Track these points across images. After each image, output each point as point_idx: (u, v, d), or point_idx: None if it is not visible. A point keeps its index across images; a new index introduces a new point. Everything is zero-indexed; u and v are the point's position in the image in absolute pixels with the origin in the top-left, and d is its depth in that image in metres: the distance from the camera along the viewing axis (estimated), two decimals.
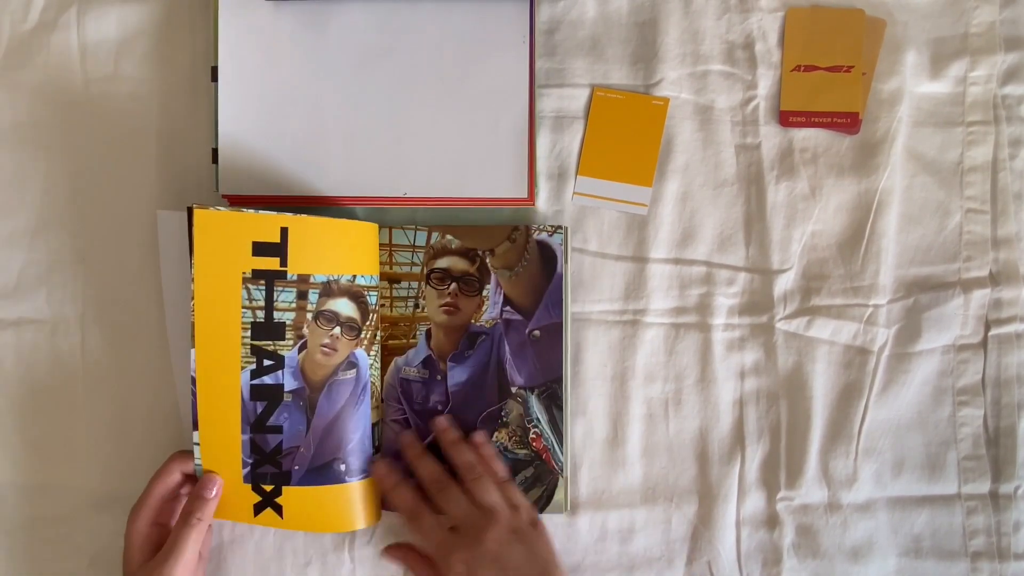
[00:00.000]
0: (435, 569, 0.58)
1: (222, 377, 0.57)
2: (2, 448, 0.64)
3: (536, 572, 0.56)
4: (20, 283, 0.64)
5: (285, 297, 0.58)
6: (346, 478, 0.59)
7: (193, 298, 0.56)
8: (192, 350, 0.57)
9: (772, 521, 0.63)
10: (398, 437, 0.62)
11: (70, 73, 0.65)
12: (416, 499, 0.59)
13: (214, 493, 0.57)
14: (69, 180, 0.65)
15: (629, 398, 0.64)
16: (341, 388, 0.59)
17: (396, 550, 0.62)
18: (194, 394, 0.57)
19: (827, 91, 0.64)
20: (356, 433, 0.59)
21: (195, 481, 0.58)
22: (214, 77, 0.63)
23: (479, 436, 0.61)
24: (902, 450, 0.64)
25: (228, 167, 0.62)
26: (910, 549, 0.63)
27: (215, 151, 0.63)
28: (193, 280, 0.56)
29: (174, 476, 0.58)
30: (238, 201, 0.62)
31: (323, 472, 0.58)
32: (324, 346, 0.59)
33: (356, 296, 0.60)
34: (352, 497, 0.59)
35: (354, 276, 0.60)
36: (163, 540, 0.57)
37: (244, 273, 0.57)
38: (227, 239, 0.57)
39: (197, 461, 0.57)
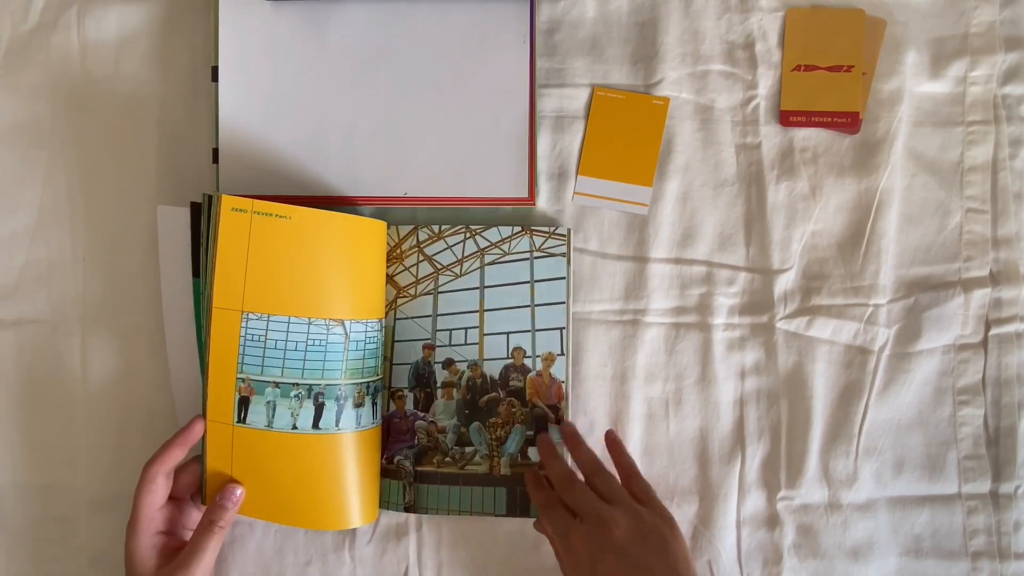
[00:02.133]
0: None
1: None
2: (2, 448, 0.64)
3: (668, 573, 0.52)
4: (20, 283, 0.64)
5: None
6: None
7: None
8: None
9: (772, 521, 0.63)
10: (537, 437, 0.61)
11: (70, 73, 0.65)
12: (549, 494, 0.58)
13: (234, 502, 0.56)
14: (69, 180, 0.65)
15: (629, 398, 0.64)
16: None
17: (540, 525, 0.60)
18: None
19: (827, 91, 0.64)
20: None
21: (182, 480, 0.58)
22: (214, 77, 0.63)
23: (609, 434, 0.61)
24: (902, 450, 0.64)
25: (228, 167, 0.63)
26: (910, 549, 0.63)
27: (215, 151, 0.63)
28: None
29: (159, 488, 0.56)
30: None
31: None
32: None
33: None
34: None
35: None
36: (170, 545, 0.57)
37: None
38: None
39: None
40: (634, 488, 0.57)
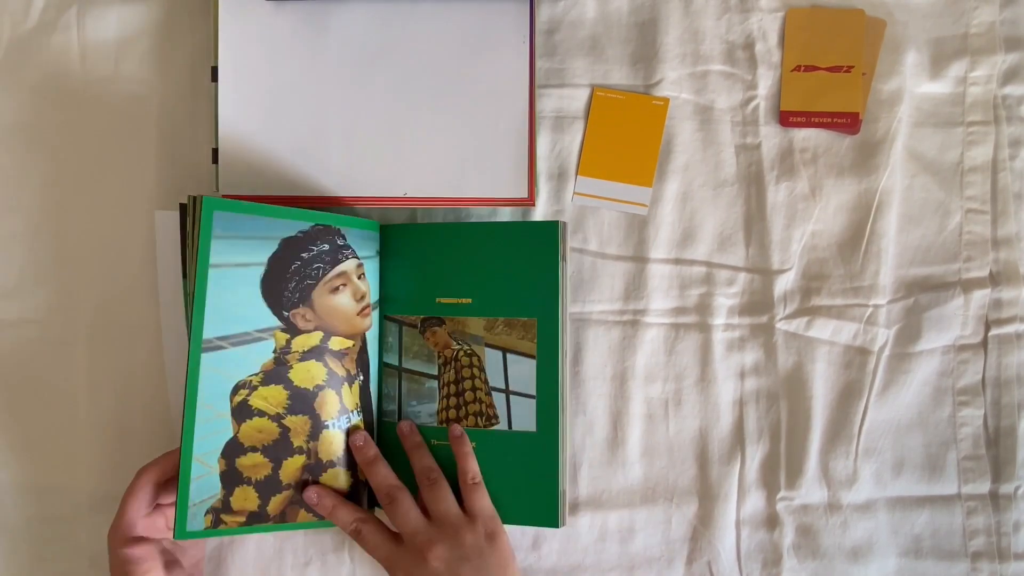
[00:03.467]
0: None
1: None
2: (2, 448, 0.64)
3: None
4: (20, 283, 0.64)
5: None
6: None
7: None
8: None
9: (772, 521, 0.63)
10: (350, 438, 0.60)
11: (70, 73, 0.65)
12: (357, 511, 0.58)
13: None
14: (69, 180, 0.65)
15: (629, 398, 0.64)
16: None
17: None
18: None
19: (827, 91, 0.64)
20: None
21: (168, 489, 0.57)
22: (214, 77, 0.63)
23: (456, 429, 0.60)
24: (902, 450, 0.64)
25: (228, 167, 0.62)
26: (910, 549, 0.63)
27: (215, 151, 0.63)
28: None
29: (146, 496, 0.55)
30: None
31: None
32: None
33: None
34: None
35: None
36: (149, 552, 0.55)
37: None
38: None
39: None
40: (468, 497, 0.58)
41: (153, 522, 0.57)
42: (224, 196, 0.62)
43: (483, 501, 0.59)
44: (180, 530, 0.54)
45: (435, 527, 0.56)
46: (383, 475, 0.59)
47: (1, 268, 0.64)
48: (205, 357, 0.55)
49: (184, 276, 0.62)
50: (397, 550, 0.56)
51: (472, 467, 0.59)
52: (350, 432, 0.59)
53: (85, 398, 0.64)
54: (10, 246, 0.64)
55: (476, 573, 0.55)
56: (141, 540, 0.56)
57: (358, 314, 0.60)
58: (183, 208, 0.59)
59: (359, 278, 0.60)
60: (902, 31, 0.64)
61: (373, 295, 0.61)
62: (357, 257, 0.59)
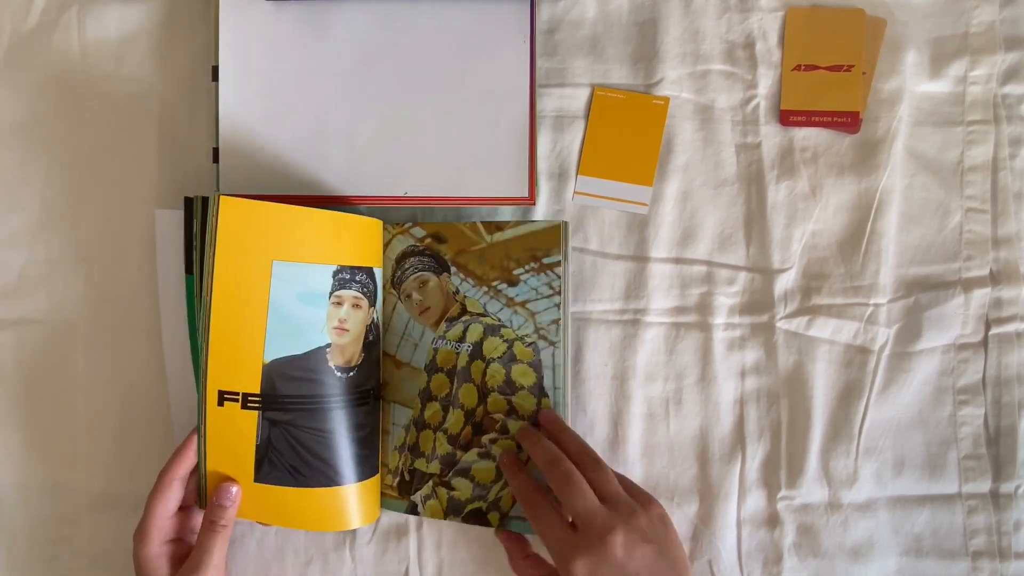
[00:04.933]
0: (552, 569, 0.54)
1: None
2: (2, 448, 0.64)
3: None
4: (20, 283, 0.64)
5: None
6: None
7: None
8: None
9: (773, 520, 0.63)
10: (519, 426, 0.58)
11: (71, 73, 0.65)
12: (535, 487, 0.55)
13: (231, 500, 0.56)
14: (70, 180, 0.65)
15: (629, 397, 0.64)
16: None
17: (508, 538, 0.59)
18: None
19: (827, 90, 0.64)
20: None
21: (188, 486, 0.57)
22: (215, 77, 0.63)
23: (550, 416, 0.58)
24: (902, 449, 0.64)
25: (229, 167, 0.63)
26: (911, 548, 0.63)
27: (216, 151, 0.63)
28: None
29: (174, 494, 0.56)
30: None
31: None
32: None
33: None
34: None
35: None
36: (179, 552, 0.56)
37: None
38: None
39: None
40: (622, 480, 0.56)
41: (177, 522, 0.57)
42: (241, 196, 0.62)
43: (638, 486, 0.57)
44: (202, 501, 0.57)
45: (611, 510, 0.53)
46: (551, 450, 0.56)
47: (1, 268, 0.64)
48: None
49: (187, 272, 0.62)
50: (573, 534, 0.52)
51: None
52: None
53: (85, 398, 0.64)
54: (10, 246, 0.64)
55: (658, 556, 0.52)
56: (167, 542, 0.56)
57: None
58: (187, 203, 0.59)
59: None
60: (902, 30, 0.64)
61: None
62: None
